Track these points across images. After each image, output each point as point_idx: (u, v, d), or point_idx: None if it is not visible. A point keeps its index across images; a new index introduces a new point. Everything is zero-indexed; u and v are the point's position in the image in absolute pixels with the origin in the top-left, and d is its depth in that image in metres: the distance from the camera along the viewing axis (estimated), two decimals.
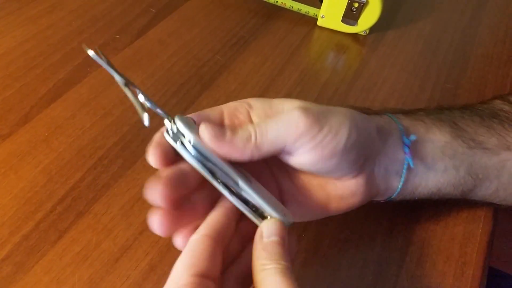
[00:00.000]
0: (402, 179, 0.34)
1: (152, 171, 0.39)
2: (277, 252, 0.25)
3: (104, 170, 0.39)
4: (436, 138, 0.35)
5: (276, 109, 0.30)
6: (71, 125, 0.42)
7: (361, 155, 0.31)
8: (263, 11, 0.59)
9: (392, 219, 0.39)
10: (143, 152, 0.41)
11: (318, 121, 0.28)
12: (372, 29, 0.57)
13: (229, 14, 0.58)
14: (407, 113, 0.37)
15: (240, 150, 0.27)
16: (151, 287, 0.33)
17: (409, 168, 0.34)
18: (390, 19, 0.61)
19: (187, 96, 0.47)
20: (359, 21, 0.56)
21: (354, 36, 0.58)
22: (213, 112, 0.30)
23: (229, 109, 0.30)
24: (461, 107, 0.38)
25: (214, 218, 0.27)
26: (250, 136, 0.27)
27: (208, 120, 0.29)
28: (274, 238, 0.26)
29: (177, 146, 0.27)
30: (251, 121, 0.30)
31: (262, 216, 0.28)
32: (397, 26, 0.61)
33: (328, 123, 0.29)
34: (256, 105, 0.31)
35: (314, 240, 0.37)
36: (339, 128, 0.29)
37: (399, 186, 0.34)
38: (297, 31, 0.57)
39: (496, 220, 0.41)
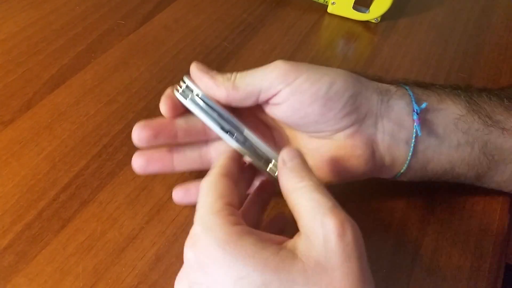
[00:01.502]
0: (411, 149, 0.32)
1: None
2: (305, 170, 0.26)
3: (109, 158, 0.38)
4: (450, 110, 0.33)
5: None
6: (75, 112, 0.41)
7: (350, 107, 0.31)
8: None
9: (406, 211, 0.38)
10: None
11: (296, 69, 0.30)
12: (384, 16, 0.55)
13: (237, 0, 0.56)
14: (420, 84, 0.35)
15: (220, 87, 0.30)
16: (158, 278, 0.32)
17: (419, 139, 0.32)
18: (402, 6, 0.60)
19: None
20: (371, 8, 0.54)
21: (365, 23, 0.56)
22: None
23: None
24: (478, 88, 0.37)
25: (223, 161, 0.28)
26: (230, 76, 0.31)
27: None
28: (297, 160, 0.27)
29: (186, 102, 0.31)
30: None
31: (267, 163, 0.30)
32: (409, 14, 0.59)
33: (307, 72, 0.30)
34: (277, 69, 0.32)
35: None
36: (321, 77, 0.30)
37: (408, 158, 0.33)
38: (307, 18, 0.56)
39: None
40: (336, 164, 0.32)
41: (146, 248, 0.33)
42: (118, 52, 0.47)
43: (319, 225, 0.23)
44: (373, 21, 0.56)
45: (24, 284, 0.31)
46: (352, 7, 0.55)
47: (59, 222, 0.34)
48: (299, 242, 0.24)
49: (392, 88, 0.34)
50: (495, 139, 0.34)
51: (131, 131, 0.40)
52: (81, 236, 0.33)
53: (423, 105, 0.32)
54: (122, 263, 0.32)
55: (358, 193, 0.38)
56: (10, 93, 0.42)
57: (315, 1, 0.57)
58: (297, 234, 0.25)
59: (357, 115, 0.31)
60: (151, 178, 0.37)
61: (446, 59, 0.53)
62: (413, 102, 0.32)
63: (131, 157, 0.38)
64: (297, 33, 0.53)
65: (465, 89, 0.36)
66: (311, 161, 0.32)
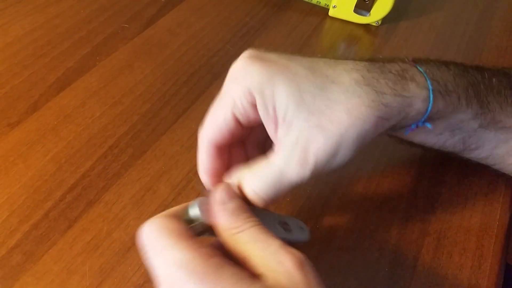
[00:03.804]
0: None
1: (163, 160, 0.39)
2: (247, 211, 0.26)
3: (115, 159, 0.39)
4: (456, 117, 0.32)
5: (275, 107, 0.28)
6: (81, 114, 0.42)
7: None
8: (274, 1, 0.58)
9: (407, 210, 0.38)
10: (153, 141, 0.40)
11: (319, 171, 0.28)
12: (385, 20, 0.56)
13: (239, 4, 0.57)
14: (447, 90, 0.31)
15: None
16: None
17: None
18: (403, 10, 0.60)
19: (197, 85, 0.46)
20: (372, 11, 0.55)
21: (366, 26, 0.57)
22: (228, 125, 0.29)
23: (238, 110, 0.29)
24: (504, 72, 0.35)
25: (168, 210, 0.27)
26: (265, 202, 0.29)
27: (233, 133, 0.30)
28: (237, 200, 0.27)
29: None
30: (258, 116, 0.29)
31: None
32: (409, 17, 0.60)
33: (331, 164, 0.28)
34: (257, 96, 0.28)
35: (328, 231, 0.36)
36: (339, 163, 0.28)
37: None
38: (308, 21, 0.56)
39: None
40: None
41: None
42: (122, 55, 0.47)
43: (276, 263, 0.23)
44: (374, 24, 0.57)
45: (32, 283, 0.31)
46: (353, 11, 0.55)
47: (65, 222, 0.34)
48: (265, 281, 0.23)
49: (414, 111, 0.30)
50: (482, 135, 0.34)
51: (136, 133, 0.41)
52: (88, 236, 0.34)
53: (428, 126, 0.32)
54: (128, 262, 0.33)
55: (360, 192, 0.39)
56: (16, 95, 0.42)
57: (316, 5, 0.58)
58: (256, 276, 0.24)
59: None
60: (156, 179, 0.38)
61: None
62: (420, 121, 0.31)
63: (136, 158, 0.39)
64: (299, 36, 0.54)
65: (488, 80, 0.34)
66: None
